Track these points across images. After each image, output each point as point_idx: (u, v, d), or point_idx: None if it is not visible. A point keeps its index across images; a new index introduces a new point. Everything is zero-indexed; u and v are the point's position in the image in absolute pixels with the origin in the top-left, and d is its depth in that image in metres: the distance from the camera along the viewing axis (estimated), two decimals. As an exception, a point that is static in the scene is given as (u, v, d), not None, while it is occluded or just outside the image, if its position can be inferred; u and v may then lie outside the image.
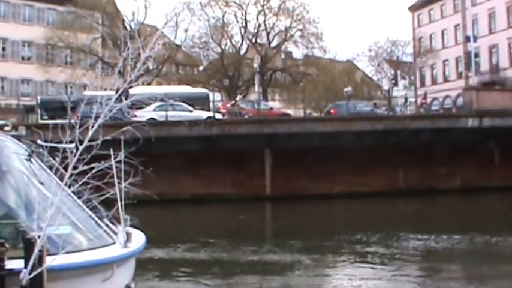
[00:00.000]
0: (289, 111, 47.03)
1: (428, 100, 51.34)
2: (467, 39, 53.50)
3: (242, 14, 60.85)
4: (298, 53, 68.22)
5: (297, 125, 36.82)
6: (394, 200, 34.45)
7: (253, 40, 62.69)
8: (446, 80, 74.53)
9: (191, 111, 37.59)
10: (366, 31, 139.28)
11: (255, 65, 52.84)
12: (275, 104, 60.78)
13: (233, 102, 42.29)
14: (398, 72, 69.87)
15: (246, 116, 39.35)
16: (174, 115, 36.00)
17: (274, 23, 61.71)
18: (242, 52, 63.02)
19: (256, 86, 52.45)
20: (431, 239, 19.84)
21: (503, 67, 65.27)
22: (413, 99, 65.21)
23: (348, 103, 41.74)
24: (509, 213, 30.36)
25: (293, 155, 36.69)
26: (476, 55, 51.94)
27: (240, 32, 62.29)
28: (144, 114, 34.79)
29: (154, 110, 35.86)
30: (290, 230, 24.87)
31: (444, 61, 74.96)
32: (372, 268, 16.45)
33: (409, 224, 24.84)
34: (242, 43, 62.85)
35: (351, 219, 28.01)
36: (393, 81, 67.86)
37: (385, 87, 71.86)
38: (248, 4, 60.37)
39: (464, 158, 39.00)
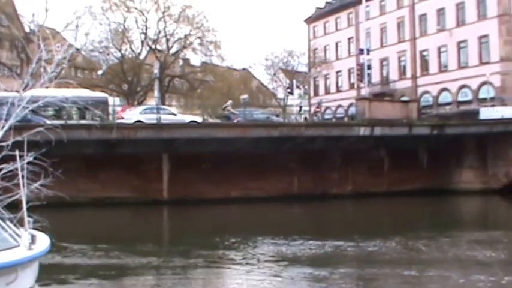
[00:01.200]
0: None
1: (322, 109, 52.87)
2: (360, 51, 55.38)
3: (143, 20, 60.63)
4: (196, 60, 68.67)
5: (195, 130, 37.18)
6: (288, 204, 35.54)
7: (153, 46, 62.60)
8: (338, 90, 76.79)
9: (175, 114, 38.32)
10: (263, 41, 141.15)
11: (155, 71, 52.91)
12: (173, 110, 60.97)
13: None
14: (294, 81, 71.43)
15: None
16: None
17: (174, 30, 61.90)
18: (142, 58, 62.86)
19: (156, 92, 52.50)
20: (284, 244, 20.59)
21: (392, 79, 67.99)
22: (307, 108, 67.00)
23: (245, 110, 42.54)
24: (386, 218, 31.99)
25: (191, 160, 37.21)
26: (368, 67, 53.86)
27: (140, 38, 62.06)
28: (131, 117, 36.21)
29: (140, 113, 37.00)
30: (176, 234, 25.74)
31: (337, 72, 77.19)
32: (228, 270, 17.31)
33: (283, 229, 25.53)
34: (142, 49, 62.65)
35: (238, 224, 28.81)
36: (288, 90, 69.31)
37: (280, 95, 73.29)
38: (149, 11, 60.27)
39: (356, 164, 40.70)
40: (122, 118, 36.34)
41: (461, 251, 19.44)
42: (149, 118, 36.50)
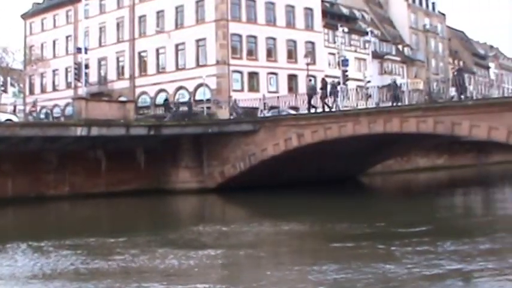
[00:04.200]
0: None
1: (38, 108, 51.44)
2: (78, 50, 54.75)
3: None
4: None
5: None
6: (2, 208, 34.08)
7: None
8: (55, 89, 75.33)
9: None
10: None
11: None
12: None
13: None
14: (8, 79, 68.34)
15: None
16: None
17: None
18: None
19: None
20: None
21: (111, 79, 68.29)
22: (22, 107, 64.62)
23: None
24: (97, 219, 32.05)
25: None
26: (86, 66, 53.20)
27: None
28: None
29: None
30: None
31: (54, 70, 75.57)
32: None
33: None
34: None
35: None
36: (2, 88, 66.14)
37: (-6, 93, 69.74)
38: None
39: (74, 165, 40.11)
40: None
41: (77, 259, 18.76)
42: None
